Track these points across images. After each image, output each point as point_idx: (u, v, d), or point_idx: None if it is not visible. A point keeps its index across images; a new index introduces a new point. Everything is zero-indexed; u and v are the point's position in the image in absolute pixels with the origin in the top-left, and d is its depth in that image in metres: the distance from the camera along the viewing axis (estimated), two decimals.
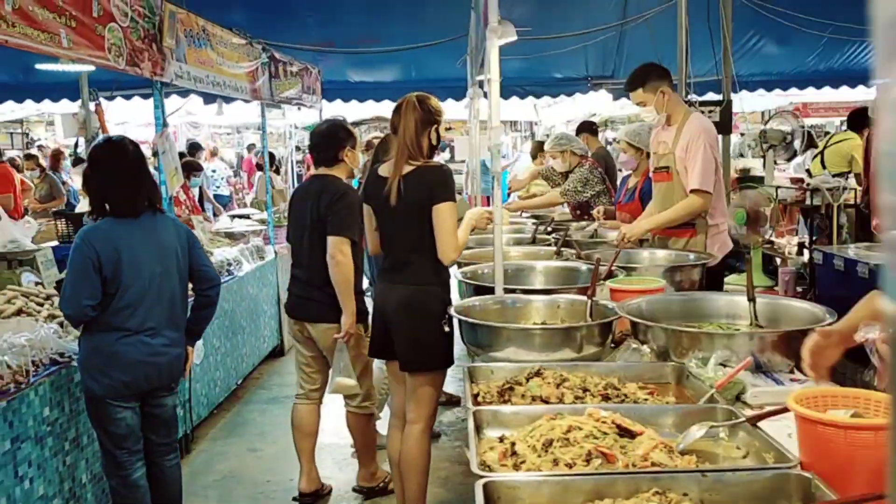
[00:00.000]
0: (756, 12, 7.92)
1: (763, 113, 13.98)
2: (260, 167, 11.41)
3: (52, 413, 3.25)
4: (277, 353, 6.93)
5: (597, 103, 11.62)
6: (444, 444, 4.91)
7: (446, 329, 3.47)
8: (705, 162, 3.94)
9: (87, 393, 3.21)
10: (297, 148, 14.85)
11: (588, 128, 7.37)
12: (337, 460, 4.68)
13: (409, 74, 10.21)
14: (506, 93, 9.74)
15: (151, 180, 3.38)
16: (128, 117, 13.37)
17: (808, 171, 8.53)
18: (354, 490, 4.30)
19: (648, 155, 5.33)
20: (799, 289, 5.52)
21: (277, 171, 12.07)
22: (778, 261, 6.11)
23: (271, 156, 11.68)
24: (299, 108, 8.22)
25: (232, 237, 6.78)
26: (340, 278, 3.87)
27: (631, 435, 1.97)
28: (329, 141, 4.10)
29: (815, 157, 8.59)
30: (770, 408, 2.26)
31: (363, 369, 4.12)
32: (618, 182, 6.24)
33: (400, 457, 3.58)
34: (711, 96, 7.12)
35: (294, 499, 4.22)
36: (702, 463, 1.95)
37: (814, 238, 5.80)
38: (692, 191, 3.99)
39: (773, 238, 6.58)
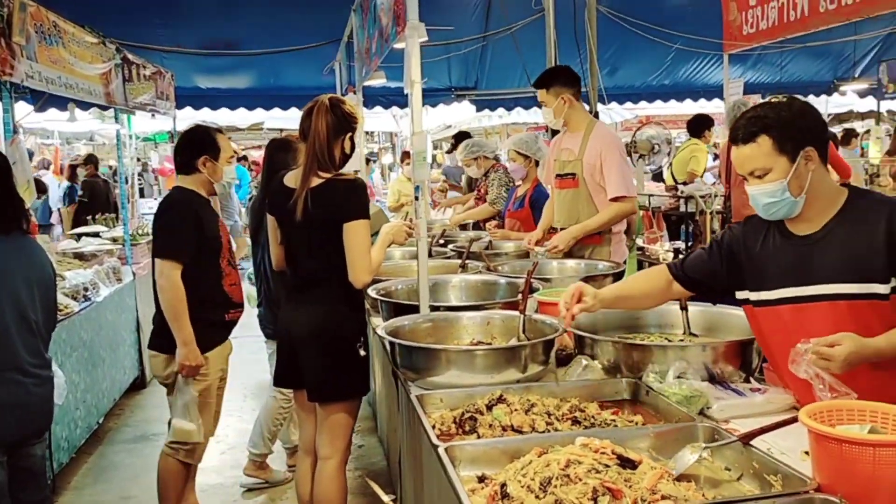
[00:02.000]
0: (609, 28, 8.17)
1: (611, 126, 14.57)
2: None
3: None
4: (139, 385, 6.28)
5: (458, 114, 11.63)
6: None
7: (362, 353, 3.19)
8: (622, 169, 3.95)
9: None
10: (138, 159, 13.84)
11: (464, 138, 7.27)
12: (226, 502, 4.24)
13: (267, 82, 9.76)
14: (369, 103, 9.56)
15: (20, 197, 2.89)
16: None
17: (663, 180, 8.91)
18: None
19: (537, 163, 5.31)
20: None
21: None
22: (647, 266, 6.28)
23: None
24: (153, 116, 7.57)
25: (82, 258, 6.09)
26: (165, 305, 3.45)
27: (632, 465, 1.80)
28: (186, 146, 3.66)
29: (668, 167, 9.01)
30: (736, 421, 2.20)
31: (205, 411, 3.62)
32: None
33: (313, 496, 3.25)
34: None
35: None
36: (699, 489, 1.82)
37: (689, 244, 6.01)
38: (616, 198, 3.96)
39: (643, 245, 6.78)
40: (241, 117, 10.82)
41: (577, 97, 4.12)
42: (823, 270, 2.13)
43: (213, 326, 3.58)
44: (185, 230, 3.46)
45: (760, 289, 2.27)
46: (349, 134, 3.10)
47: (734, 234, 2.38)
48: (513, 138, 5.55)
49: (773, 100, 2.22)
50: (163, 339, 3.53)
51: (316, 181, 3.05)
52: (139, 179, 13.68)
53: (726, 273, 2.37)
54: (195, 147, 3.61)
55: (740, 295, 2.36)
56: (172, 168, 12.02)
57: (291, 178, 3.16)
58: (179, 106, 9.21)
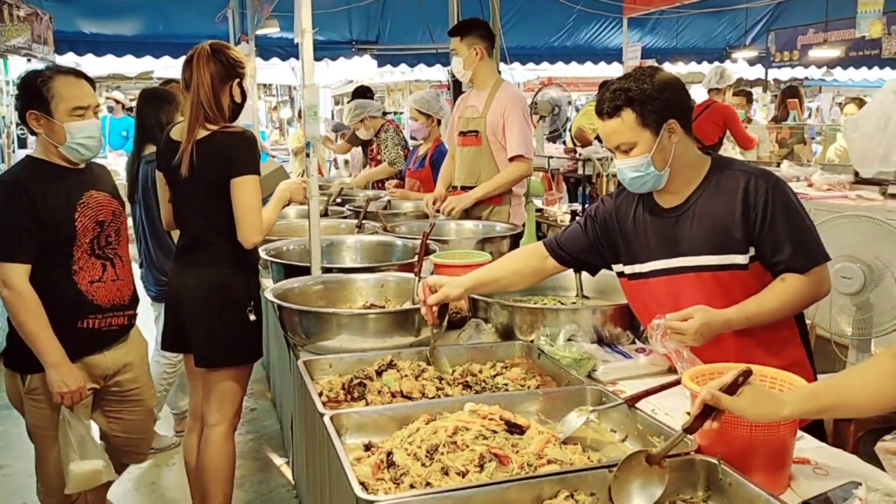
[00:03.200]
0: None
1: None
2: None
3: None
4: None
5: (361, 70, 11.36)
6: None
7: (252, 318, 3.06)
8: (523, 130, 3.94)
9: None
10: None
11: (363, 94, 7.10)
12: None
13: (155, 28, 9.21)
14: (266, 54, 9.23)
15: None
16: None
17: (564, 142, 9.02)
18: None
19: (439, 122, 5.25)
20: None
21: None
22: (546, 228, 6.35)
23: None
24: (29, 60, 7.05)
25: None
26: (15, 321, 2.66)
27: (520, 430, 1.79)
28: (18, 100, 2.79)
29: (567, 131, 9.12)
30: (623, 383, 2.24)
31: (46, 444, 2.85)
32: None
33: (199, 464, 3.14)
34: None
35: None
36: (585, 451, 1.83)
37: (585, 206, 6.09)
38: (514, 157, 3.95)
39: (543, 206, 6.83)
40: (128, 65, 10.21)
41: (489, 53, 4.08)
42: (688, 242, 2.16)
43: (61, 337, 2.68)
44: (13, 222, 2.61)
45: (634, 262, 2.29)
46: (237, 80, 2.93)
47: (606, 208, 2.38)
48: (414, 96, 5.45)
49: (637, 70, 2.16)
50: (18, 356, 2.73)
51: (202, 133, 2.88)
52: (20, 129, 12.79)
53: (603, 247, 2.38)
54: (21, 100, 2.69)
55: (616, 268, 2.37)
56: None
57: (177, 132, 2.98)
58: (61, 51, 8.62)
